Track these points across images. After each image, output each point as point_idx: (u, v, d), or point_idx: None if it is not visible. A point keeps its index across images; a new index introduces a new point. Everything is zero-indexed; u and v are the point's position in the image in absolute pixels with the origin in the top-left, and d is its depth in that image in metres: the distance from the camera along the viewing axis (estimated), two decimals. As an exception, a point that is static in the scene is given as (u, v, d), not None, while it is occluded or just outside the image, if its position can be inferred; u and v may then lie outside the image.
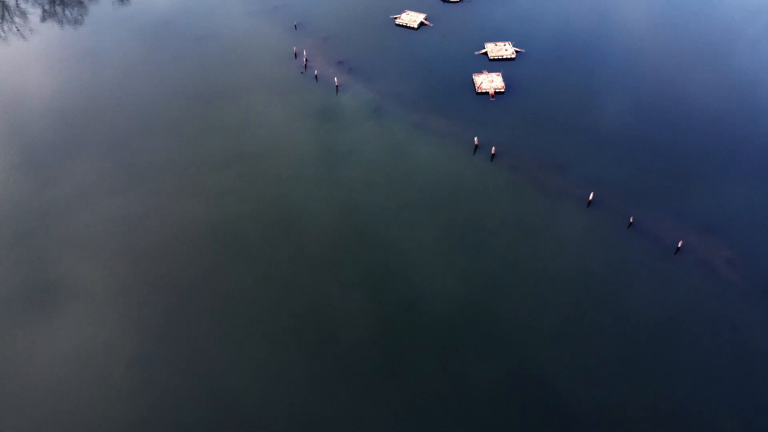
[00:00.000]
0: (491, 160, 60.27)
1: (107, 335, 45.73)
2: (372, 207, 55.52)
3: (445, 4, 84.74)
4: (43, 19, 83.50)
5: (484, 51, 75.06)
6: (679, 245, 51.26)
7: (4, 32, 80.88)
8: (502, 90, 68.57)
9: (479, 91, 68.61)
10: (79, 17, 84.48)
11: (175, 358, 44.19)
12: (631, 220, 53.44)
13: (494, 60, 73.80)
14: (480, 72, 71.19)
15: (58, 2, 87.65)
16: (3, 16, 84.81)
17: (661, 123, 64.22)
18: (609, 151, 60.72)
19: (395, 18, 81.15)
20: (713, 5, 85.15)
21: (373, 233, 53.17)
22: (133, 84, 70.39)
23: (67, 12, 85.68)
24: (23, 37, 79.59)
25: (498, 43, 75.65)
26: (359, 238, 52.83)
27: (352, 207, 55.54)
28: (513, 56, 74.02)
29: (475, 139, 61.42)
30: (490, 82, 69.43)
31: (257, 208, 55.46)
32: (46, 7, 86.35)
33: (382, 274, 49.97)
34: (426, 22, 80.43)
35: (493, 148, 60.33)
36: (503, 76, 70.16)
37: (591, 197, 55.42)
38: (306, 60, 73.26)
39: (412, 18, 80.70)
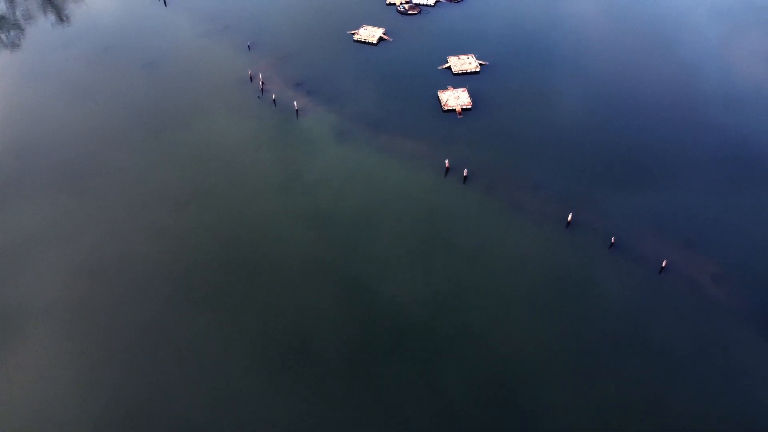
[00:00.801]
0: (464, 182, 57.78)
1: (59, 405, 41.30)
2: (343, 243, 52.27)
3: (403, 17, 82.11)
4: (-26, 49, 77.59)
5: (447, 65, 72.68)
6: (664, 264, 49.68)
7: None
8: (469, 106, 66.26)
9: (446, 108, 66.13)
10: (17, 41, 78.64)
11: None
12: (612, 241, 51.66)
13: (459, 74, 71.46)
14: (445, 88, 68.75)
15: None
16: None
17: (630, 130, 62.95)
18: (583, 166, 58.95)
19: (353, 34, 78.07)
20: (659, 7, 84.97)
21: (345, 272, 49.95)
22: (77, 116, 65.39)
23: (2, 35, 79.65)
24: (-49, 70, 73.67)
25: (461, 57, 73.38)
26: (332, 278, 49.52)
27: (322, 243, 52.16)
28: (477, 69, 71.85)
29: (446, 161, 58.84)
30: (456, 98, 67.04)
31: (220, 251, 51.52)
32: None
33: (360, 318, 46.82)
34: (385, 36, 77.61)
35: (465, 170, 57.84)
36: (469, 92, 67.88)
37: (570, 218, 53.46)
38: (262, 83, 69.48)
39: (370, 33, 77.75)
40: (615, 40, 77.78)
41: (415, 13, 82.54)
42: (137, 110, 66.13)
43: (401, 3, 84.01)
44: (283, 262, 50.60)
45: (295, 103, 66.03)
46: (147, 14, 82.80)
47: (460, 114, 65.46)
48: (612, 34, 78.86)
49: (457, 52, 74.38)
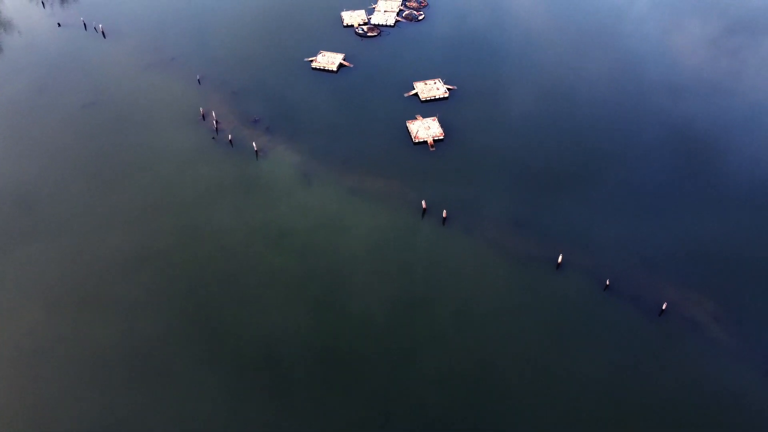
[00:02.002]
0: (443, 224, 53.57)
1: None
2: (315, 305, 47.29)
3: (362, 39, 77.53)
4: None
5: (414, 92, 68.43)
6: (664, 307, 46.43)
7: None
8: (441, 137, 62.15)
9: (416, 140, 61.85)
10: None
11: None
12: (607, 282, 48.19)
13: (427, 101, 67.30)
14: (414, 118, 64.48)
15: None
16: None
17: (615, 157, 59.96)
18: (567, 199, 55.47)
19: (310, 61, 73.04)
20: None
21: (318, 339, 45.02)
22: (5, 169, 58.47)
23: None
24: None
25: (428, 82, 69.25)
26: (303, 347, 44.51)
27: (290, 308, 47.00)
28: (446, 95, 67.85)
29: (423, 202, 54.48)
30: (426, 129, 62.84)
31: (176, 327, 45.81)
32: None
33: (339, 392, 41.96)
34: (345, 62, 72.87)
35: (444, 211, 53.60)
36: (439, 120, 63.78)
37: (560, 259, 49.81)
38: (216, 122, 63.83)
39: (329, 60, 72.87)
40: (586, 50, 75.00)
41: (374, 35, 78.12)
42: (76, 159, 59.62)
43: (359, 25, 79.47)
44: (249, 332, 45.27)
45: (254, 144, 60.65)
46: (84, 47, 75.87)
47: (432, 146, 61.28)
48: (583, 44, 76.05)
49: (423, 76, 70.24)
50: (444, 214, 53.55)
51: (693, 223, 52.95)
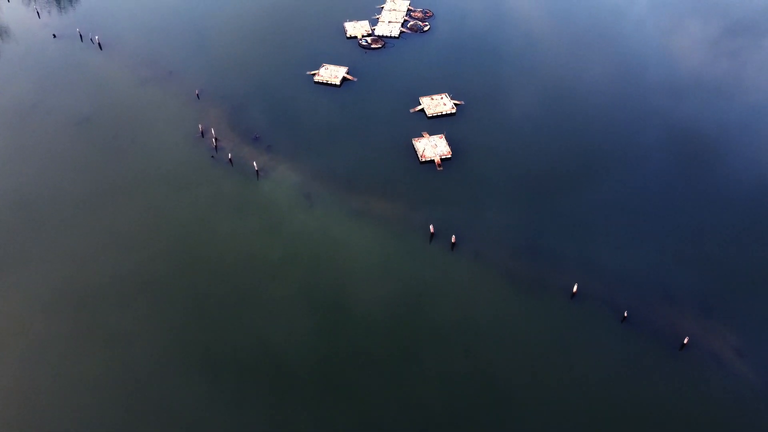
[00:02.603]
0: (452, 249, 51.34)
1: None
2: (317, 337, 45.07)
3: (366, 52, 75.29)
4: None
5: (420, 108, 66.23)
6: (686, 341, 44.18)
7: None
8: (449, 156, 59.92)
9: (423, 159, 59.63)
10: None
11: None
12: (625, 314, 45.93)
13: (433, 117, 65.10)
14: (420, 135, 62.27)
15: None
16: None
17: (634, 176, 57.67)
18: (582, 223, 53.21)
19: (313, 74, 70.83)
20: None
21: (322, 376, 42.77)
22: (-2, 192, 56.45)
23: None
24: None
25: (434, 97, 67.03)
26: (305, 385, 42.27)
27: (292, 340, 44.81)
28: (453, 111, 65.63)
29: (431, 227, 52.24)
30: (433, 147, 60.62)
31: (178, 357, 43.63)
32: None
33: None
34: (348, 76, 70.64)
35: (453, 236, 51.36)
36: (447, 138, 61.56)
37: (575, 288, 47.56)
38: (215, 139, 61.61)
39: (332, 73, 70.64)
40: (597, 58, 72.85)
41: (378, 47, 75.90)
42: (70, 179, 57.44)
43: (363, 36, 77.28)
44: (250, 366, 43.04)
45: (254, 163, 58.44)
46: (80, 60, 73.69)
47: (439, 166, 59.07)
48: (593, 52, 73.84)
49: (429, 90, 68.04)
50: (453, 239, 51.29)
51: (715, 252, 50.67)
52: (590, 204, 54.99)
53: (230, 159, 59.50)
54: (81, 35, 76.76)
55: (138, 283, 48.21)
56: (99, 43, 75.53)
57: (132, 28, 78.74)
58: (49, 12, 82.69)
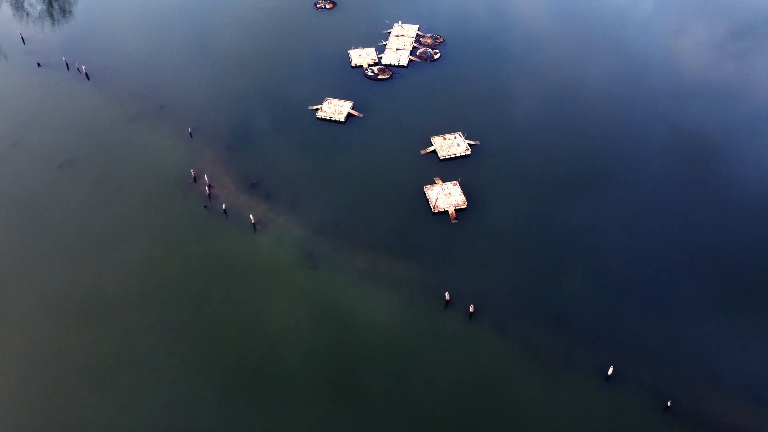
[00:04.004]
0: (470, 319, 46.05)
1: None
2: (321, 419, 39.86)
3: (373, 83, 69.97)
4: None
5: (432, 149, 60.93)
6: (739, 439, 38.90)
7: None
8: (464, 206, 54.64)
9: (436, 210, 54.35)
10: None
11: None
12: (668, 404, 40.57)
13: (446, 160, 59.82)
14: (432, 182, 56.99)
15: None
16: None
17: (670, 232, 52.37)
18: (618, 291, 47.78)
19: (315, 110, 65.58)
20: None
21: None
22: (-31, 248, 51.28)
23: None
24: None
25: (447, 136, 61.74)
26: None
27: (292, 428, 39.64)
28: (468, 152, 60.34)
29: (446, 294, 46.95)
30: (447, 196, 55.33)
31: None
32: None
33: None
34: (354, 112, 65.36)
35: (471, 305, 46.06)
36: (461, 185, 56.28)
37: (610, 371, 42.22)
38: (209, 185, 56.41)
39: (336, 108, 65.36)
40: (623, 92, 67.56)
41: (386, 78, 70.64)
42: (48, 233, 52.28)
43: (369, 66, 72.01)
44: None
45: (251, 216, 53.19)
46: (65, 91, 68.56)
47: (454, 218, 53.77)
48: (618, 83, 68.54)
49: (441, 128, 62.78)
50: (471, 309, 45.98)
51: None
52: (630, 270, 49.47)
53: (224, 209, 54.28)
54: (67, 64, 71.65)
55: (121, 358, 43.11)
56: (86, 73, 70.38)
57: (121, 55, 73.65)
58: (34, 37, 77.51)
